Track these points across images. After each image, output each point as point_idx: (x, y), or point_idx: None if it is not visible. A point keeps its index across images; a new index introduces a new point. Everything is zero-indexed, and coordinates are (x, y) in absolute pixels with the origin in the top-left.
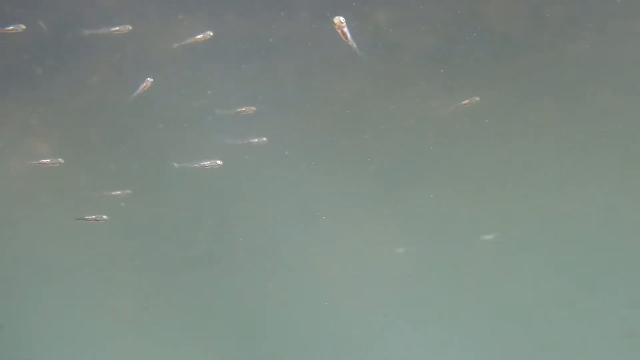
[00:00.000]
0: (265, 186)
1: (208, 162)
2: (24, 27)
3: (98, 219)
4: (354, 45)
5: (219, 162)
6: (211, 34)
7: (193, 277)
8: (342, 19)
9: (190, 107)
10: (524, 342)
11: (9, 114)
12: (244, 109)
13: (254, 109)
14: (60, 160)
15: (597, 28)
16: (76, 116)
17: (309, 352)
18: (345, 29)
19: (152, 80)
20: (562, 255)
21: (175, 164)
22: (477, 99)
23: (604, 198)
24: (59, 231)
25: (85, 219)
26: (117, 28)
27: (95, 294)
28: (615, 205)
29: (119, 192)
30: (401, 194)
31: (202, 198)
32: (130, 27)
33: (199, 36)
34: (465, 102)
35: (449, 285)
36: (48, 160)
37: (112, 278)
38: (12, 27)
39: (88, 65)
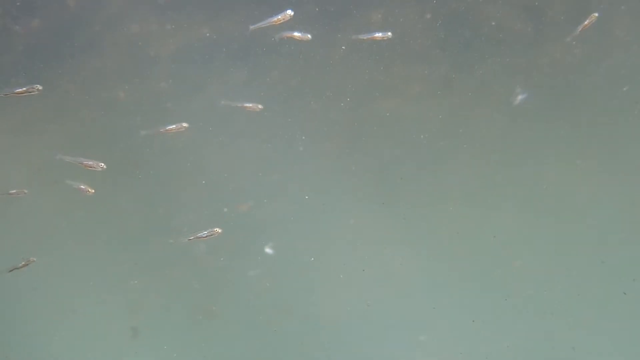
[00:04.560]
0: (265, 185)
1: (250, 104)
2: None
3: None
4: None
5: (260, 106)
6: (390, 34)
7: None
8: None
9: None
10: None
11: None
12: (250, 105)
13: (261, 107)
14: (102, 164)
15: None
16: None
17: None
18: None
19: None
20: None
21: (222, 102)
22: (596, 15)
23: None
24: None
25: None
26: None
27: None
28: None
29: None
30: (402, 193)
31: (200, 195)
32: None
33: (378, 34)
34: (586, 22)
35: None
36: (91, 162)
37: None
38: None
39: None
